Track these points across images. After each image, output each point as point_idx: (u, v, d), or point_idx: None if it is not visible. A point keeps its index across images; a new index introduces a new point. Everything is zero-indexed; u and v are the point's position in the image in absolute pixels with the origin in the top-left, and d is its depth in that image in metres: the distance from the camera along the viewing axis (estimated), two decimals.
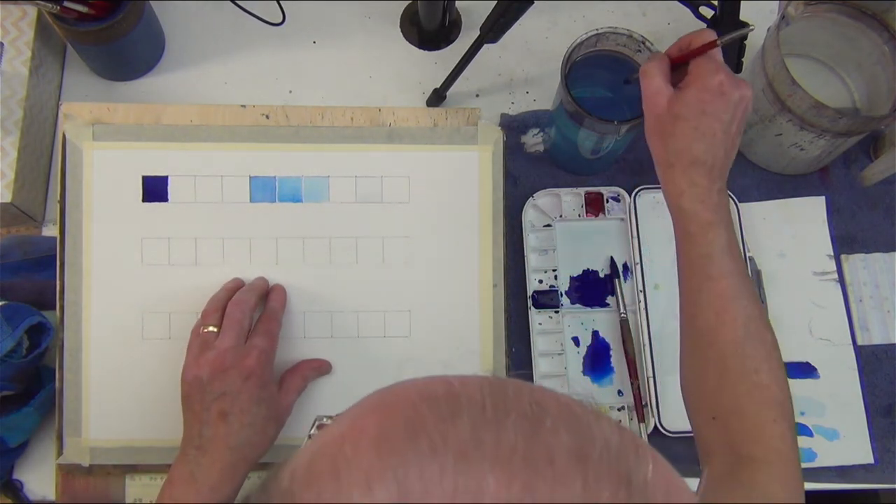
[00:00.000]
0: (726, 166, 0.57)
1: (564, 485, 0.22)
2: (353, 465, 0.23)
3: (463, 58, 0.73)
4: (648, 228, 0.75)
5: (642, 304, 0.72)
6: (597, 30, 0.66)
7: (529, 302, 0.72)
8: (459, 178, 0.71)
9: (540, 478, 0.22)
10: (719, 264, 0.55)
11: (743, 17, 0.66)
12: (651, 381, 0.70)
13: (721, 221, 0.56)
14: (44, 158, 0.74)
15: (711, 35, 0.56)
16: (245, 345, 0.60)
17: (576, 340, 0.72)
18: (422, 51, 0.81)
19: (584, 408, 0.26)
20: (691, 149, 0.55)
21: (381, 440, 0.24)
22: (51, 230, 0.73)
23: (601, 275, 0.74)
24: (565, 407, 0.26)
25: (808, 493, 0.71)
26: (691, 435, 0.70)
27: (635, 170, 0.77)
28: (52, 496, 0.67)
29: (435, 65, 0.80)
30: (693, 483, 0.70)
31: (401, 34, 0.81)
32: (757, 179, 0.78)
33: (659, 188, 0.76)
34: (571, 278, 0.74)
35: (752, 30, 0.59)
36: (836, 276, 0.75)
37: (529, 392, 0.26)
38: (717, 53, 0.57)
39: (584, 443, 0.24)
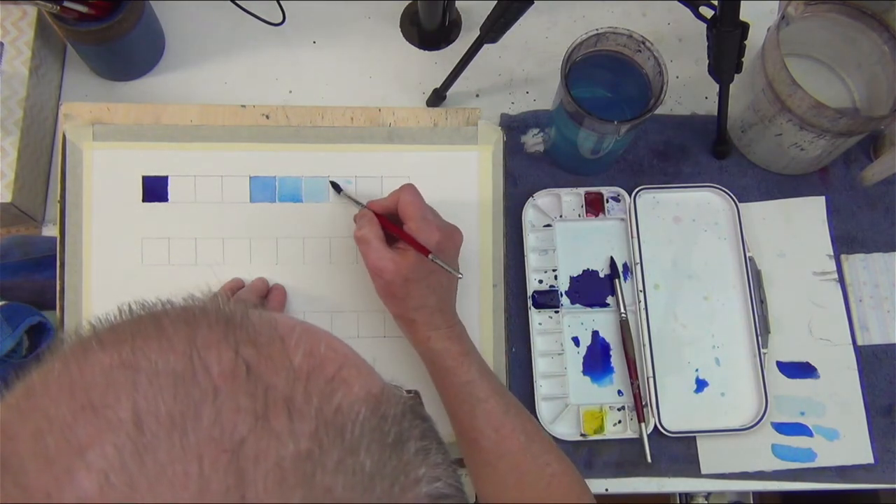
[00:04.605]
0: (455, 299, 0.64)
1: (170, 341, 0.26)
2: None
3: (463, 58, 0.73)
4: (648, 228, 0.75)
5: (642, 304, 0.72)
6: (597, 30, 0.66)
7: (529, 302, 0.72)
8: (459, 178, 0.71)
9: (151, 341, 0.26)
10: (482, 386, 0.60)
11: (743, 17, 0.65)
12: (651, 381, 0.70)
13: (470, 349, 0.61)
14: (44, 158, 0.74)
15: (410, 192, 0.61)
16: None
17: (576, 340, 0.72)
18: (422, 51, 0.81)
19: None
20: (427, 303, 0.60)
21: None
22: (51, 230, 0.73)
23: (601, 275, 0.74)
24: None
25: (808, 493, 0.71)
26: (691, 435, 0.70)
27: (635, 170, 0.77)
28: None
29: (435, 65, 0.80)
30: (690, 484, 0.70)
31: (401, 34, 0.81)
32: (757, 179, 0.78)
33: (659, 188, 0.76)
34: (571, 278, 0.74)
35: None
36: (835, 275, 0.75)
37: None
38: (424, 209, 0.61)
39: (191, 308, 0.28)
